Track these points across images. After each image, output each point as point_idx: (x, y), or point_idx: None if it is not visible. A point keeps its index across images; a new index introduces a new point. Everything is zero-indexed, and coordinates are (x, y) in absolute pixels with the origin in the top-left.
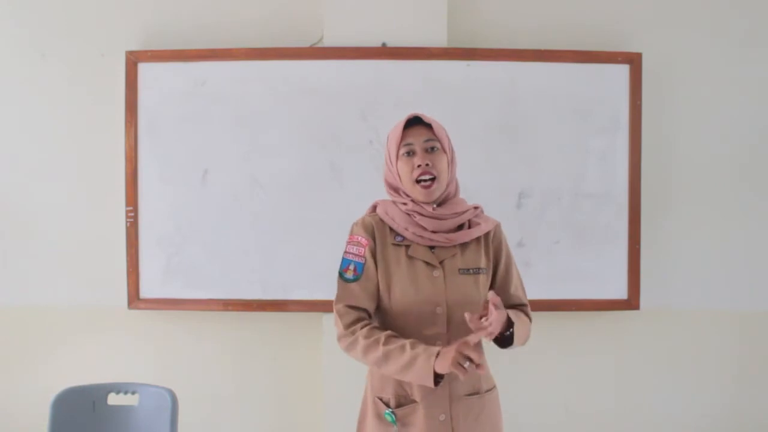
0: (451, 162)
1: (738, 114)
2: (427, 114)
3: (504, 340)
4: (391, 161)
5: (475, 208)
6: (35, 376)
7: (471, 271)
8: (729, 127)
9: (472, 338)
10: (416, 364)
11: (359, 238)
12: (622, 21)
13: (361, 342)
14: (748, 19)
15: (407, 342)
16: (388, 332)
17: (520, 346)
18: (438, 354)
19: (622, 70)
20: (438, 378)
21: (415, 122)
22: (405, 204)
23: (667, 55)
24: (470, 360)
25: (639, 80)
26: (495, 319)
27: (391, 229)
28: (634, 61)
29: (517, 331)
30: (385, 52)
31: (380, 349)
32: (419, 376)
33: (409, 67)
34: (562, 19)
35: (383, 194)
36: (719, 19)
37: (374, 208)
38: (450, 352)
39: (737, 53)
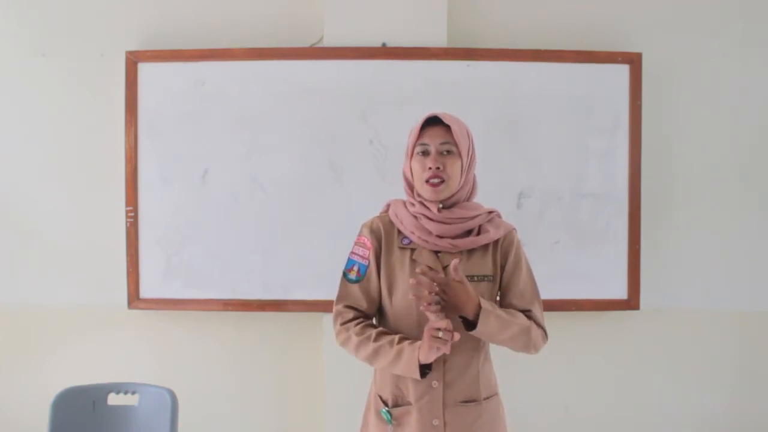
0: (469, 166)
1: (738, 114)
2: (448, 112)
3: (470, 322)
4: (407, 156)
5: (490, 212)
6: (35, 376)
7: (475, 278)
8: (729, 127)
9: (432, 318)
10: (402, 357)
11: (365, 239)
12: (622, 21)
13: (354, 339)
14: (748, 19)
15: (396, 337)
16: (380, 329)
17: (504, 340)
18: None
19: (622, 70)
20: (425, 369)
21: (435, 122)
22: (413, 205)
23: (667, 55)
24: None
25: (639, 80)
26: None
27: (399, 231)
28: (634, 61)
29: (493, 319)
30: (385, 52)
31: (371, 346)
32: (406, 369)
33: (409, 67)
34: (562, 19)
35: (383, 194)
36: (719, 19)
37: (387, 207)
38: (425, 338)
39: (737, 53)
